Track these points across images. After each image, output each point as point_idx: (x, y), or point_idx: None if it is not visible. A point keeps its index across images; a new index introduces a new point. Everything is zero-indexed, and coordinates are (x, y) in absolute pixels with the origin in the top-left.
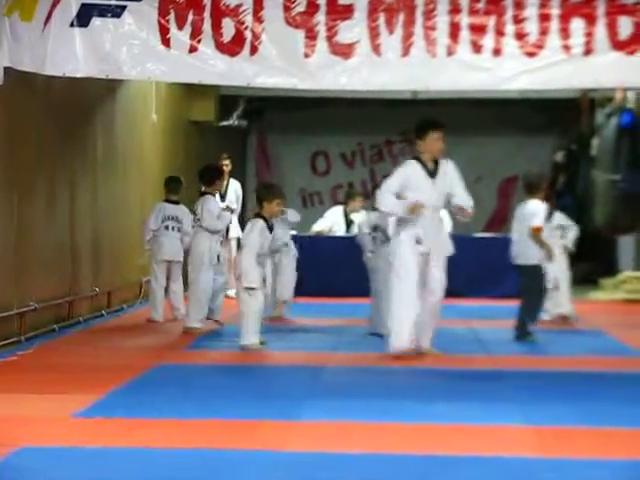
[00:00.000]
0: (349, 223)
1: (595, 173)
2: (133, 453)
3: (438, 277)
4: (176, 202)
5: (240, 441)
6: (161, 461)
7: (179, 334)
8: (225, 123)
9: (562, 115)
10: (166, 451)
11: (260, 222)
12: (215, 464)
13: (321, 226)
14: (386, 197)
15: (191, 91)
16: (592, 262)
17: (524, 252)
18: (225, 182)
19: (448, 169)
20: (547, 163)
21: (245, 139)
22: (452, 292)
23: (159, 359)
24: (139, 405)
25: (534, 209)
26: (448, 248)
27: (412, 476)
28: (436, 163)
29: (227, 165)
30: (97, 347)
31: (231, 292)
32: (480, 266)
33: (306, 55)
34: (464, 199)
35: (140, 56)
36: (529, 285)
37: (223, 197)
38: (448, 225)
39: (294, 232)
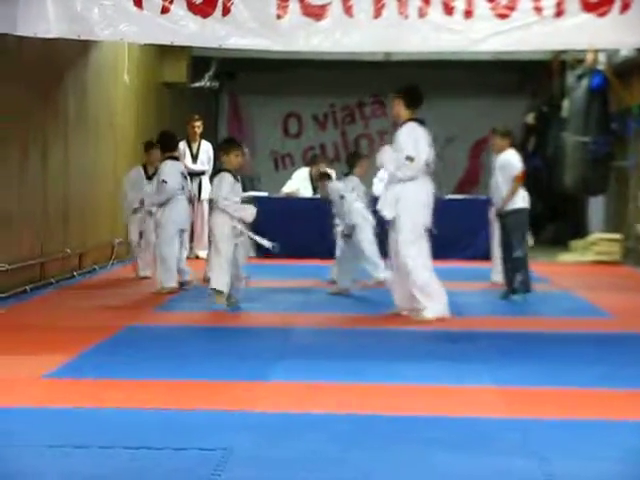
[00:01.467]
0: (315, 186)
1: (565, 135)
2: (103, 414)
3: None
4: None
5: (210, 402)
6: (131, 422)
7: (150, 295)
8: (197, 84)
9: (533, 77)
10: (136, 412)
11: (227, 175)
12: (185, 425)
13: (291, 187)
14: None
15: (163, 52)
16: (562, 224)
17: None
18: (197, 143)
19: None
20: (518, 125)
21: (217, 100)
22: None
23: (129, 320)
24: (109, 366)
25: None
26: None
27: (380, 436)
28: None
29: (198, 127)
30: (68, 308)
31: (202, 253)
32: (451, 228)
33: (278, 16)
34: None
35: (112, 17)
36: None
37: (195, 158)
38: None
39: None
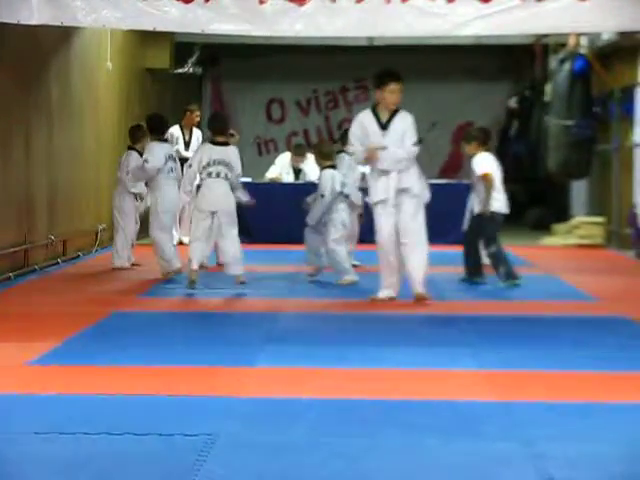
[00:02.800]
0: (297, 171)
1: (548, 119)
2: (88, 400)
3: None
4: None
5: (195, 387)
6: (115, 408)
7: (134, 282)
8: (180, 70)
9: (516, 61)
10: (120, 398)
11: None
12: (171, 410)
13: (274, 173)
14: (352, 144)
15: (146, 38)
16: (545, 208)
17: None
18: (190, 131)
19: (404, 122)
20: (501, 109)
21: (200, 86)
22: None
23: (114, 307)
24: (94, 353)
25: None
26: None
27: (367, 421)
28: (393, 114)
29: (198, 116)
30: (52, 295)
31: (186, 239)
32: (434, 212)
33: (261, 2)
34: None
35: (95, 3)
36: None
37: (187, 145)
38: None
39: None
